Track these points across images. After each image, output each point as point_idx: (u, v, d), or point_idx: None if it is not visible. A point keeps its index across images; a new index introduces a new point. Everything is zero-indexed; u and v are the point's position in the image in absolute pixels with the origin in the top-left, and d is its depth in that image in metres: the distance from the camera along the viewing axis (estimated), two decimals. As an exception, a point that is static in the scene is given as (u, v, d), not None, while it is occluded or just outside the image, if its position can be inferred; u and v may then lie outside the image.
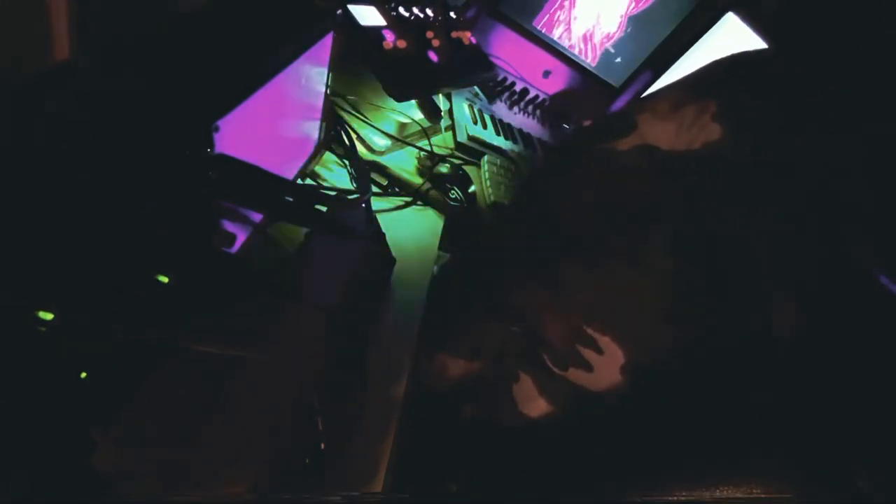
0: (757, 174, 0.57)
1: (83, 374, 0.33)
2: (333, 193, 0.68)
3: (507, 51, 1.22)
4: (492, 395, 0.71)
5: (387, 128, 0.85)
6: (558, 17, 1.17)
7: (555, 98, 1.16)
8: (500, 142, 1.06)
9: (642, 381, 0.63)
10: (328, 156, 0.76)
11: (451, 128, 1.02)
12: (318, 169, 0.74)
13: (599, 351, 0.62)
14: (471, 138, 1.01)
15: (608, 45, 1.25)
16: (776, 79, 0.59)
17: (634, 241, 0.60)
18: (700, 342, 0.60)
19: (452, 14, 0.96)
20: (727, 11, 1.10)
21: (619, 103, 1.32)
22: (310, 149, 0.66)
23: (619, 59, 1.28)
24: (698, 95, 0.60)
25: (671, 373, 0.61)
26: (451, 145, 1.00)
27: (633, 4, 1.19)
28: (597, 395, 0.65)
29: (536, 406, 0.69)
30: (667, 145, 0.59)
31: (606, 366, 0.62)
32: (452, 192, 0.85)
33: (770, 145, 0.57)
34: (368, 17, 0.77)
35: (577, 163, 0.71)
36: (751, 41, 0.99)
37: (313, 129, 0.65)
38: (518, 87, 1.23)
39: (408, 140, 0.88)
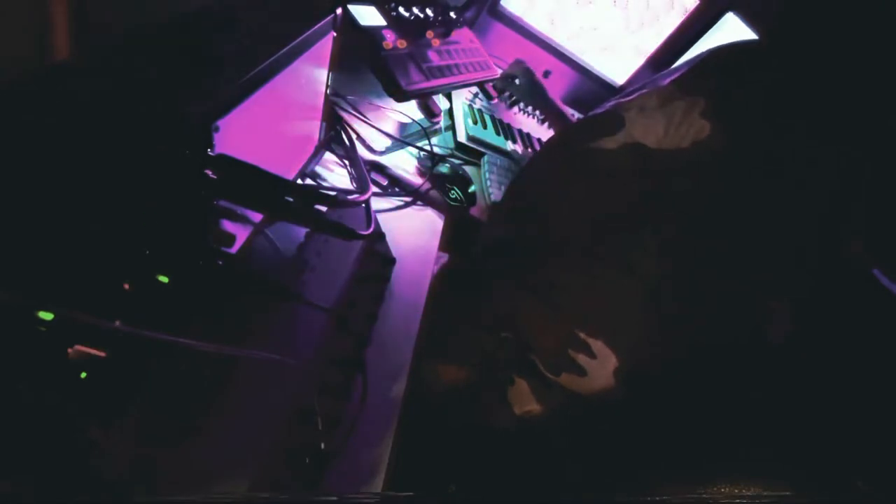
0: (747, 174, 0.56)
1: (83, 374, 0.33)
2: (333, 193, 0.68)
3: (507, 51, 1.22)
4: (486, 399, 0.71)
5: (387, 128, 0.85)
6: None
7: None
8: (500, 142, 1.06)
9: (636, 385, 0.62)
10: (328, 156, 0.76)
11: (451, 128, 1.03)
12: (318, 169, 0.74)
13: (592, 355, 0.62)
14: (471, 138, 1.01)
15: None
16: (766, 73, 0.58)
17: (625, 245, 0.59)
18: (694, 344, 0.60)
19: (452, 14, 0.96)
20: (727, 11, 1.10)
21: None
22: (310, 149, 0.66)
23: (619, 59, 1.28)
24: (687, 91, 0.59)
25: (665, 375, 0.61)
26: (451, 145, 1.00)
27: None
28: (591, 399, 0.65)
29: (531, 409, 0.69)
30: (655, 144, 0.58)
31: (599, 370, 0.62)
32: (452, 192, 0.85)
33: (760, 143, 0.56)
34: (368, 17, 0.77)
35: (565, 163, 0.70)
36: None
37: (313, 129, 0.65)
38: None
39: (408, 140, 0.88)
